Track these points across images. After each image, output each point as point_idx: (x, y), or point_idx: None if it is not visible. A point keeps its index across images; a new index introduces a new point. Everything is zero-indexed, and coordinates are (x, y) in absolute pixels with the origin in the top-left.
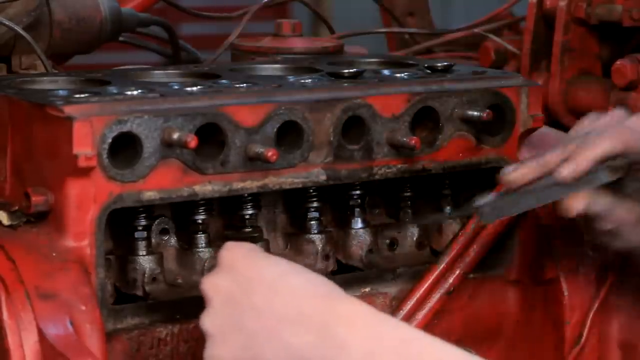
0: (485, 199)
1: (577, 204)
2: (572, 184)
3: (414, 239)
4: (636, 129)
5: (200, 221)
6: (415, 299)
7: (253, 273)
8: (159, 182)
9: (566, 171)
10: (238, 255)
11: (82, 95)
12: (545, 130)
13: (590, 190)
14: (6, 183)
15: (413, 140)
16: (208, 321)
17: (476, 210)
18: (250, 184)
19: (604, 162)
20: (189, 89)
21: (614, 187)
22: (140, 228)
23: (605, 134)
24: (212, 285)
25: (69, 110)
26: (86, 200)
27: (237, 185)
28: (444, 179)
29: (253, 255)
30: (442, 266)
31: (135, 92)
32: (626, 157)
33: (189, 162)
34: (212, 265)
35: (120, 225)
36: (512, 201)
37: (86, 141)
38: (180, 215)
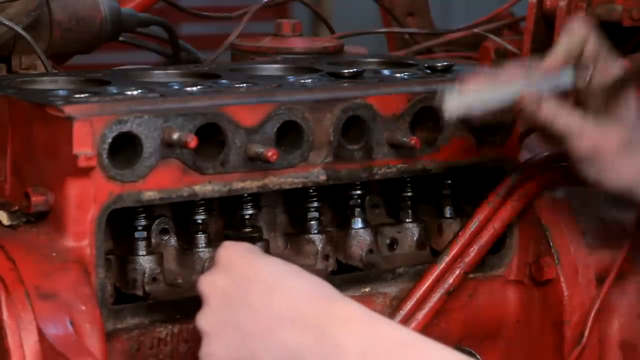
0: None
1: (530, 99)
2: (538, 83)
3: (414, 239)
4: None
5: (200, 221)
6: (415, 299)
7: (250, 272)
8: (159, 182)
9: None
10: (235, 255)
11: (82, 95)
12: None
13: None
14: (6, 183)
15: (413, 140)
16: (204, 320)
17: (440, 102)
18: (250, 184)
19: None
20: (189, 89)
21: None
22: (140, 228)
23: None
24: (209, 284)
25: (69, 110)
26: (86, 200)
27: (237, 185)
28: (444, 179)
29: (251, 255)
30: (442, 266)
31: (135, 92)
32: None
33: (189, 162)
34: (212, 265)
35: (120, 225)
36: (477, 95)
37: (86, 141)
38: (180, 215)
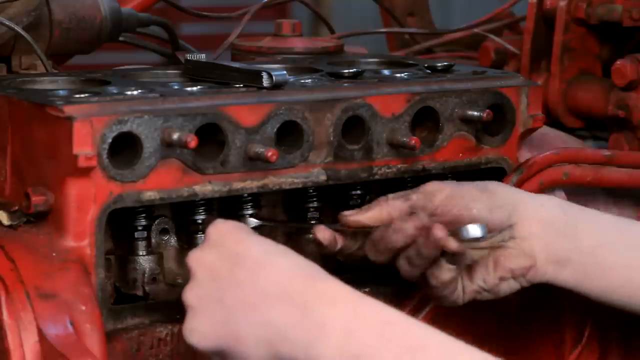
0: None
1: None
2: None
3: None
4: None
5: (200, 221)
6: (415, 299)
7: (239, 249)
8: (159, 182)
9: None
10: (225, 232)
11: (82, 95)
12: (545, 130)
13: None
14: (6, 183)
15: (413, 140)
16: (190, 294)
17: None
18: (250, 184)
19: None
20: (189, 89)
21: None
22: (140, 228)
23: None
24: (196, 259)
25: (69, 110)
26: (86, 200)
27: (237, 185)
28: (444, 179)
29: (240, 232)
30: None
31: (135, 92)
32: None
33: (189, 162)
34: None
35: (120, 225)
36: None
37: (86, 141)
38: (180, 215)
